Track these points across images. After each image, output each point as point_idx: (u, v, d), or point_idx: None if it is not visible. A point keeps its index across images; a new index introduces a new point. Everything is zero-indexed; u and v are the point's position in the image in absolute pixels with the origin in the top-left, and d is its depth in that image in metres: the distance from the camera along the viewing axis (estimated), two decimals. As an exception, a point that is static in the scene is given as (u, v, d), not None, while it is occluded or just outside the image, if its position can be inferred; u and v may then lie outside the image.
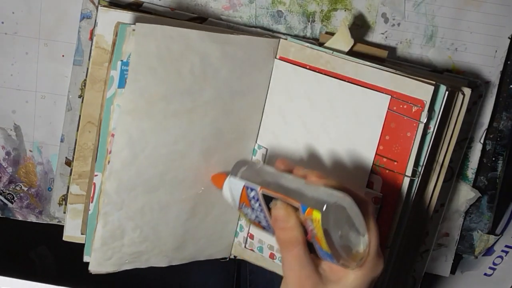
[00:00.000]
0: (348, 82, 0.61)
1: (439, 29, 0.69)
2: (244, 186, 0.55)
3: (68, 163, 0.68)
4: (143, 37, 0.54)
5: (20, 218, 0.72)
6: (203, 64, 0.59)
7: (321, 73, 0.62)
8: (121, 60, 0.55)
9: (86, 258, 0.61)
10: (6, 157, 0.70)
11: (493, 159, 0.72)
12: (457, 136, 0.63)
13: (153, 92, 0.56)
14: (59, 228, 0.68)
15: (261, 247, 0.68)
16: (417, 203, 0.64)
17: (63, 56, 0.67)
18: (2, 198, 0.71)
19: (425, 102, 0.57)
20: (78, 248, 0.63)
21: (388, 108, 0.59)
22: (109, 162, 0.56)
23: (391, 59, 0.68)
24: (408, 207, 0.61)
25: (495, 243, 0.76)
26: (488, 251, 0.77)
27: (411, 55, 0.69)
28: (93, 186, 0.59)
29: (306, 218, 0.49)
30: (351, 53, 0.64)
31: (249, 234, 0.68)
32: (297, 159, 0.64)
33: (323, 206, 0.48)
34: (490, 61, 0.69)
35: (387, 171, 0.60)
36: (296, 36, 0.68)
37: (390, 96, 0.59)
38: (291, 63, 0.64)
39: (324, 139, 0.63)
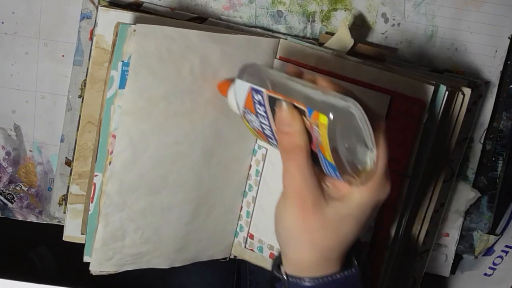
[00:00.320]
0: (348, 82, 0.61)
1: (439, 29, 0.69)
2: (250, 88, 0.50)
3: (68, 163, 0.68)
4: (143, 37, 0.54)
5: (20, 218, 0.72)
6: (203, 64, 0.59)
7: (321, 73, 0.62)
8: (122, 61, 0.55)
9: (86, 258, 0.61)
10: (6, 157, 0.70)
11: (493, 159, 0.72)
12: (457, 136, 0.63)
13: (153, 93, 0.56)
14: (59, 228, 0.68)
15: (261, 247, 0.68)
16: (417, 203, 0.64)
17: (63, 56, 0.67)
18: (2, 198, 0.71)
19: (425, 102, 0.57)
20: (78, 248, 0.63)
21: (388, 108, 0.59)
22: (110, 163, 0.56)
23: (391, 59, 0.68)
24: (408, 207, 0.61)
25: (495, 243, 0.76)
26: (488, 251, 0.77)
27: (411, 55, 0.69)
28: (93, 186, 0.59)
29: (312, 123, 0.44)
30: (351, 53, 0.64)
31: (249, 234, 0.68)
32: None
33: (331, 110, 0.43)
34: (490, 61, 0.69)
35: (387, 171, 0.60)
36: (296, 36, 0.68)
37: (390, 96, 0.59)
38: (291, 63, 0.64)
39: (324, 139, 0.63)
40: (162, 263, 0.64)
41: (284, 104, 0.46)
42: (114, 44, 0.56)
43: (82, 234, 0.65)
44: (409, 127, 0.58)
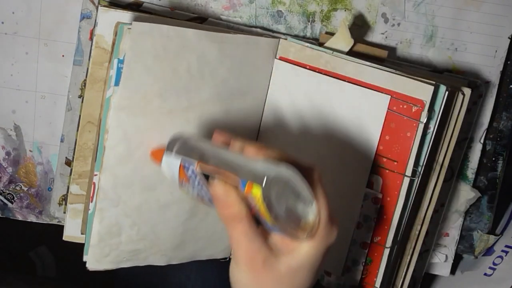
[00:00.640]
0: (348, 82, 0.61)
1: (439, 29, 0.69)
2: (180, 162, 0.52)
3: (68, 163, 0.68)
4: (139, 35, 0.54)
5: (20, 218, 0.72)
6: (200, 63, 0.59)
7: (321, 73, 0.62)
8: (118, 58, 0.55)
9: (85, 258, 0.61)
10: (6, 157, 0.70)
11: (493, 159, 0.72)
12: (457, 136, 0.63)
13: (148, 90, 0.56)
14: (59, 228, 0.68)
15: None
16: (417, 203, 0.64)
17: (63, 56, 0.67)
18: (2, 198, 0.71)
19: (425, 102, 0.57)
20: (78, 248, 0.63)
21: (388, 108, 0.59)
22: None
23: (391, 59, 0.68)
24: (408, 207, 0.61)
25: (495, 243, 0.76)
26: (488, 251, 0.77)
27: (411, 55, 0.69)
28: (93, 186, 0.59)
29: (247, 195, 0.46)
30: (351, 53, 0.64)
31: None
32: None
33: (262, 181, 0.45)
34: (490, 61, 0.69)
35: (387, 171, 0.60)
36: (296, 36, 0.68)
37: (390, 96, 0.59)
38: (291, 63, 0.64)
39: (324, 139, 0.63)
40: (159, 260, 0.64)
41: (216, 180, 0.48)
42: (113, 44, 0.56)
43: (82, 234, 0.65)
44: (409, 127, 0.58)
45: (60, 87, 0.68)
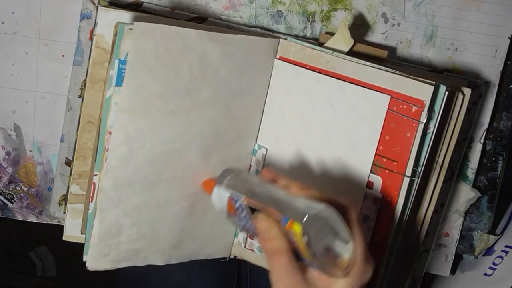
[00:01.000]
0: (348, 82, 0.61)
1: (439, 29, 0.69)
2: (229, 196, 0.56)
3: (68, 163, 0.68)
4: (140, 36, 0.54)
5: (20, 218, 0.72)
6: (201, 63, 0.59)
7: (321, 73, 0.62)
8: (119, 59, 0.55)
9: (85, 258, 0.61)
10: (6, 157, 0.70)
11: (493, 159, 0.72)
12: (457, 136, 0.63)
13: (150, 91, 0.56)
14: (59, 228, 0.68)
15: (261, 247, 0.68)
16: (417, 203, 0.64)
17: (63, 56, 0.68)
18: (2, 198, 0.71)
19: (425, 102, 0.57)
20: (78, 248, 0.63)
21: (388, 108, 0.59)
22: (106, 159, 0.56)
23: (391, 59, 0.68)
24: (408, 207, 0.61)
25: (495, 243, 0.76)
26: (488, 251, 0.77)
27: (411, 55, 0.69)
28: (93, 185, 0.59)
29: (288, 231, 0.49)
30: (351, 53, 0.64)
31: (249, 234, 0.68)
32: (296, 160, 0.64)
33: (303, 219, 0.48)
34: (490, 61, 0.69)
35: (387, 171, 0.60)
36: (296, 36, 0.68)
37: (390, 96, 0.59)
38: (291, 63, 0.64)
39: (324, 139, 0.63)
40: (158, 260, 0.64)
41: (260, 215, 0.51)
42: (113, 43, 0.56)
43: (82, 233, 0.65)
44: (409, 127, 0.58)
45: (60, 87, 0.68)
